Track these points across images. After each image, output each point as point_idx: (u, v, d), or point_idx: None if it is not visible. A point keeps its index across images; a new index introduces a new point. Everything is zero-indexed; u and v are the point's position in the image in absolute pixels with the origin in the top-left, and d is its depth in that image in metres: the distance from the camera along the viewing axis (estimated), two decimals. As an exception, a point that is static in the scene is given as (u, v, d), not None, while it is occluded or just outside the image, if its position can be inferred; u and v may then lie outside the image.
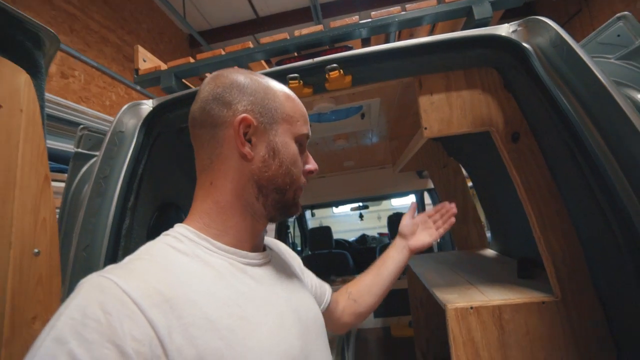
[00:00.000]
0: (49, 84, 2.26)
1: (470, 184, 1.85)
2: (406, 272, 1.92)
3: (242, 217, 0.49)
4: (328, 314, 0.72)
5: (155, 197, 1.00)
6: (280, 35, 0.92)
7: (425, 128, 0.87)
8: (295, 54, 0.97)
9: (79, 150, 0.90)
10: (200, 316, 0.37)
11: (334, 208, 5.50)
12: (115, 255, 0.80)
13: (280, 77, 0.84)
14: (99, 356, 0.30)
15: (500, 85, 0.86)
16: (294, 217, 2.86)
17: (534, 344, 0.77)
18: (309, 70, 0.83)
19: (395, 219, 3.05)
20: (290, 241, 3.27)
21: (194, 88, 0.93)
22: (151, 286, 0.36)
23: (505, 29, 0.78)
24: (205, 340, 0.36)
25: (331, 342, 1.47)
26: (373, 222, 6.59)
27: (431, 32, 0.99)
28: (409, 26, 0.89)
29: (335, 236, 3.44)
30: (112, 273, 0.36)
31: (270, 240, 0.65)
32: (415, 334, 1.83)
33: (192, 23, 3.98)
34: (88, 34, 2.75)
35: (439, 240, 2.75)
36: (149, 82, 0.98)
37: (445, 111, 0.87)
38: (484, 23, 0.82)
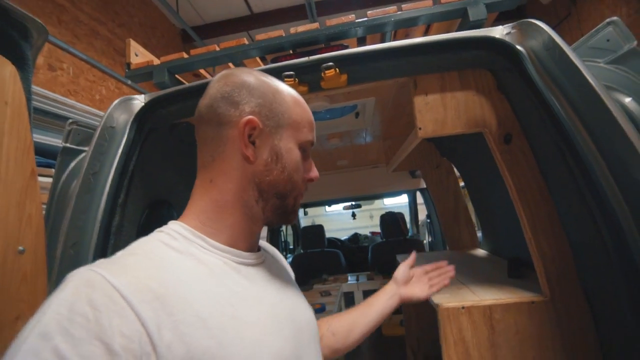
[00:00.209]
0: (36, 77, 2.20)
1: (462, 184, 1.87)
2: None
3: (239, 218, 0.48)
4: None
5: (147, 194, 0.98)
6: (275, 33, 0.91)
7: (420, 128, 0.88)
8: (291, 52, 0.97)
9: (68, 145, 0.88)
10: (191, 314, 0.37)
11: (326, 207, 5.50)
12: (104, 252, 0.78)
13: (276, 74, 0.82)
14: (85, 353, 0.30)
15: (493, 87, 0.87)
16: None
17: (523, 343, 0.78)
18: (305, 68, 0.82)
19: (387, 218, 3.07)
20: (283, 239, 3.26)
21: (187, 84, 0.91)
22: (142, 282, 0.36)
23: (499, 31, 0.79)
24: (195, 338, 0.36)
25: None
26: (365, 221, 6.62)
27: (426, 33, 0.99)
28: (405, 26, 0.89)
29: (328, 235, 3.44)
30: (102, 268, 0.36)
31: (265, 244, 0.64)
32: (406, 333, 1.85)
33: (185, 18, 3.92)
34: (77, 26, 2.68)
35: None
36: (141, 77, 0.96)
37: (440, 112, 0.87)
38: (478, 25, 0.82)
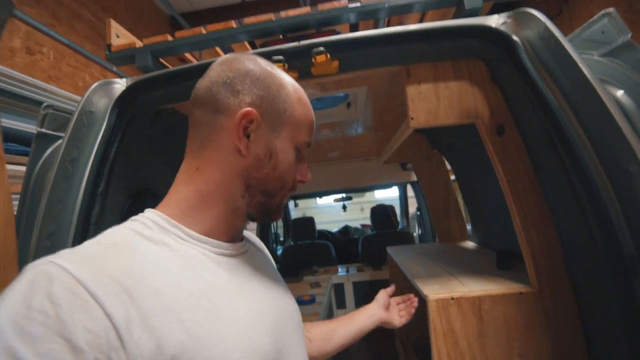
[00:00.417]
0: (13, 60, 2.09)
1: (453, 177, 1.87)
2: (388, 263, 1.95)
3: (222, 210, 0.46)
4: None
5: (129, 184, 0.95)
6: (265, 16, 0.88)
7: (412, 118, 0.86)
8: (281, 37, 0.93)
9: (43, 130, 0.83)
10: (162, 307, 0.34)
11: (317, 199, 5.50)
12: (83, 243, 0.75)
13: (265, 59, 0.80)
14: (46, 352, 0.28)
15: (487, 78, 0.86)
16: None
17: (511, 333, 0.79)
18: (295, 53, 0.79)
19: (377, 211, 3.07)
20: (273, 231, 3.25)
21: (172, 68, 0.87)
22: (108, 274, 0.33)
23: (494, 20, 0.77)
24: (166, 332, 0.34)
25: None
26: (356, 214, 6.64)
27: (421, 21, 0.97)
28: (399, 13, 0.87)
29: (318, 227, 3.44)
30: (63, 258, 0.33)
31: (249, 233, 0.62)
32: (395, 324, 1.86)
33: (174, 4, 3.79)
34: (58, 8, 2.56)
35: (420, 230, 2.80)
36: (122, 59, 0.91)
37: (433, 102, 0.86)
38: (473, 13, 0.81)
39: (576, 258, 0.75)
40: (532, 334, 0.78)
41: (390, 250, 1.74)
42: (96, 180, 0.79)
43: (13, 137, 1.71)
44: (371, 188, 4.06)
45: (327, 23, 0.87)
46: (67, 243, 0.73)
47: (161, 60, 0.95)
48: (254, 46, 0.95)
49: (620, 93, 0.70)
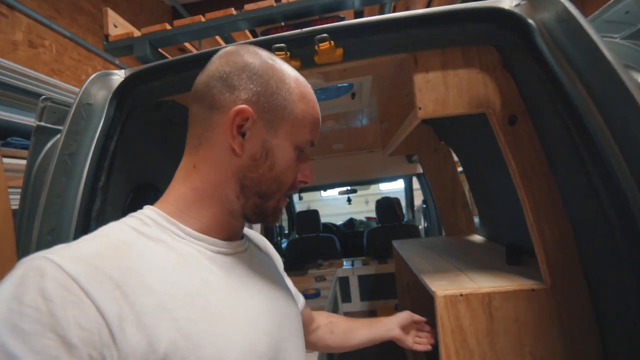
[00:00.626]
0: (15, 54, 2.08)
1: (460, 169, 1.83)
2: (394, 257, 1.93)
3: (218, 210, 0.45)
4: None
5: (130, 178, 0.93)
6: (266, 2, 0.84)
7: (420, 108, 0.83)
8: (282, 24, 0.90)
9: (42, 123, 0.82)
10: (155, 305, 0.34)
11: (322, 192, 5.48)
12: (84, 239, 0.74)
13: (266, 47, 0.77)
14: (39, 348, 0.27)
15: (498, 65, 0.82)
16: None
17: (521, 331, 0.76)
18: (297, 41, 0.76)
19: (383, 203, 3.04)
20: (278, 224, 3.24)
21: (170, 58, 0.85)
22: (101, 270, 0.33)
23: (507, 2, 0.73)
24: (159, 330, 0.33)
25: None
26: (361, 207, 6.62)
27: (428, 5, 0.93)
28: (406, -3, 0.83)
29: (323, 220, 3.43)
30: (56, 254, 0.32)
31: (251, 231, 0.60)
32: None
33: (175, -6, 3.74)
34: (58, 0, 2.53)
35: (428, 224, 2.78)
36: (120, 50, 0.89)
37: (441, 90, 0.82)
38: (485, -5, 0.76)
39: (592, 253, 0.72)
40: (544, 332, 0.75)
41: (396, 244, 1.72)
42: (96, 174, 0.78)
43: (18, 131, 1.71)
44: (376, 181, 4.03)
45: (331, 9, 0.84)
46: (68, 238, 0.72)
47: (160, 50, 0.92)
48: (255, 35, 0.92)
49: (641, 78, 0.66)
